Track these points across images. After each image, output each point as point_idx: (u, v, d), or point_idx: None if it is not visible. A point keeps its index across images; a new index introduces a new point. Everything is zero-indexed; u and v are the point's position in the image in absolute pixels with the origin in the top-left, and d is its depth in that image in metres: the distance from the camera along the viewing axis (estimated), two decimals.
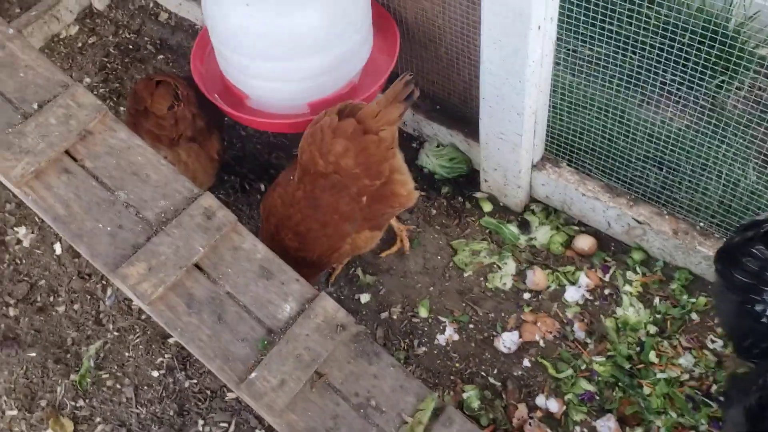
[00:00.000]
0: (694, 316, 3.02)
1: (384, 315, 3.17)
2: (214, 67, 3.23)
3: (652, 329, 3.00)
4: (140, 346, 3.20)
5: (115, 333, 3.24)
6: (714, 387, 2.82)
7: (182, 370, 3.11)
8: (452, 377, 2.99)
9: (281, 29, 2.76)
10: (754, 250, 2.20)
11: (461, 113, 3.48)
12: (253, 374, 2.39)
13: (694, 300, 3.05)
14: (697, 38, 2.61)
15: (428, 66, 3.40)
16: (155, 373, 3.12)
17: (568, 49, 2.99)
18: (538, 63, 2.76)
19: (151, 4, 4.43)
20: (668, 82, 2.83)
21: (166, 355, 3.16)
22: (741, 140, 2.95)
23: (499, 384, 2.96)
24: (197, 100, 3.20)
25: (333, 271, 3.29)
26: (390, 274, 3.29)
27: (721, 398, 2.77)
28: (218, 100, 3.13)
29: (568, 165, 3.30)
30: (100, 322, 3.28)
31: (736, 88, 3.21)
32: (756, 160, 2.95)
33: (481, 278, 3.24)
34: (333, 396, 2.47)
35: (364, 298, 3.22)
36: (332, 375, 2.50)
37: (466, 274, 3.26)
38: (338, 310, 2.53)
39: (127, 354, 3.18)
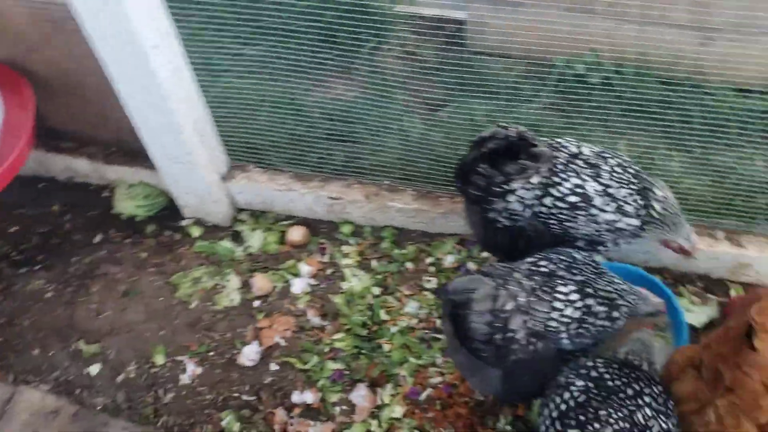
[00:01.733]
0: (408, 265, 3.21)
1: (120, 377, 3.00)
2: None
3: (377, 290, 3.14)
4: None
5: None
6: (438, 322, 3.02)
7: None
8: (206, 411, 2.91)
9: None
10: (479, 169, 2.37)
11: (136, 148, 3.36)
12: None
13: (404, 251, 3.24)
14: (340, 12, 2.74)
15: (81, 111, 3.26)
16: None
17: (208, 57, 3.01)
18: (172, 79, 2.74)
19: None
20: (328, 60, 2.96)
21: None
22: (404, 94, 3.16)
23: (253, 398, 2.93)
24: None
25: None
26: (115, 335, 3.12)
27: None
28: None
29: (258, 167, 3.34)
30: None
31: (388, 50, 3.45)
32: (420, 110, 3.19)
33: (208, 303, 3.19)
34: None
35: (94, 369, 3.02)
36: None
37: (192, 305, 3.18)
38: (44, 397, 2.35)
39: None
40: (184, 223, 3.44)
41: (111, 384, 2.98)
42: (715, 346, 2.09)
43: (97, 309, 3.16)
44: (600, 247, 2.54)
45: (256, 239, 3.35)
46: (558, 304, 2.22)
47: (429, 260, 3.22)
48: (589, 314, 2.26)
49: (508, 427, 2.74)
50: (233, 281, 3.23)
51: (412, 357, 2.94)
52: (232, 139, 3.26)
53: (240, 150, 3.29)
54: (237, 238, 3.37)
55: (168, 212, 3.48)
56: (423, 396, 2.85)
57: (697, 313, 2.88)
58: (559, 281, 2.27)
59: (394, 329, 3.01)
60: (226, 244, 3.35)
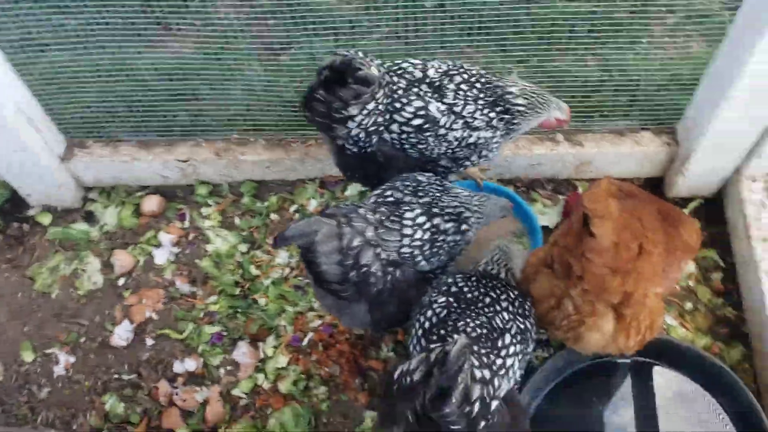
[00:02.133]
0: (273, 216, 3.18)
1: None
2: None
3: (244, 247, 3.10)
4: None
5: None
6: None
7: None
8: (86, 398, 2.82)
9: None
10: (317, 95, 2.31)
11: None
12: None
13: (266, 203, 3.20)
14: None
15: None
16: None
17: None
18: None
19: None
20: (158, 18, 2.81)
21: None
22: (242, 42, 3.05)
23: (134, 376, 2.86)
24: None
25: None
26: None
27: None
28: None
29: (98, 141, 3.18)
30: None
31: None
32: (262, 56, 3.08)
33: (71, 290, 3.06)
34: None
35: None
36: None
37: (54, 295, 3.04)
38: None
39: None
40: (31, 212, 3.25)
41: None
42: (562, 241, 2.19)
43: None
44: (466, 162, 2.58)
45: (110, 216, 3.21)
46: (407, 230, 2.26)
47: (293, 208, 3.20)
48: (438, 233, 2.31)
49: (391, 354, 2.82)
50: (93, 263, 3.10)
51: (288, 306, 2.95)
52: (67, 116, 3.08)
53: (77, 126, 3.12)
54: (90, 218, 3.22)
55: (12, 204, 3.28)
56: (305, 341, 2.87)
57: (550, 215, 3.02)
58: (406, 207, 2.30)
59: (267, 282, 3.00)
60: (80, 226, 3.20)
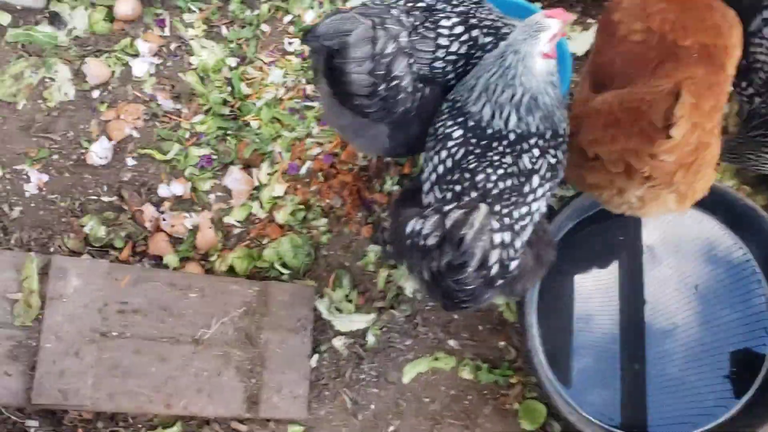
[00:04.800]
0: (264, 27, 2.83)
1: None
2: None
3: (233, 62, 2.78)
4: None
5: None
6: (308, 87, 2.74)
7: None
8: (63, 219, 2.60)
9: None
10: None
11: None
12: None
13: (257, 12, 2.84)
14: None
15: None
16: None
17: None
18: None
19: None
20: None
21: None
22: None
23: (115, 198, 2.64)
24: None
25: None
26: None
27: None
28: None
29: None
30: None
31: None
32: None
33: (39, 101, 2.73)
34: None
35: None
36: None
37: (20, 107, 2.72)
38: None
39: None
40: None
41: None
42: (623, 140, 1.92)
43: None
44: None
45: (79, 19, 2.81)
46: (443, 41, 1.97)
47: (287, 19, 2.85)
48: (475, 47, 2.03)
49: (395, 187, 2.63)
50: (62, 72, 2.75)
51: (284, 131, 2.69)
52: None
53: None
54: (57, 19, 2.82)
55: None
56: (303, 170, 2.66)
57: (578, 41, 2.74)
58: (442, 15, 2.00)
59: (259, 103, 2.72)
60: (45, 29, 2.81)
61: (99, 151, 2.65)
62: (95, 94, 2.74)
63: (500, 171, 1.87)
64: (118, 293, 2.22)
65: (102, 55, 2.78)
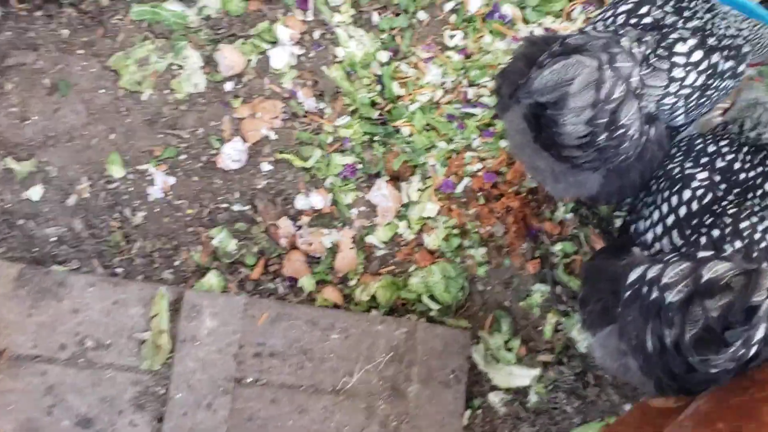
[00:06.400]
0: (421, 15, 2.44)
1: (72, 200, 2.34)
2: None
3: (385, 56, 2.40)
4: None
5: None
6: (471, 91, 2.34)
7: None
8: (190, 229, 2.33)
9: None
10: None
11: None
12: None
13: None
14: None
15: None
16: None
17: None
18: None
19: None
20: None
21: None
22: None
23: (247, 208, 2.35)
24: None
25: None
26: (52, 146, 2.39)
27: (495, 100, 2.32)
28: None
29: None
30: None
31: None
32: None
33: (166, 91, 2.44)
34: (32, 366, 1.78)
35: (36, 193, 2.34)
36: (16, 343, 1.78)
37: (145, 97, 2.43)
38: None
39: None
40: None
41: (61, 209, 2.34)
42: None
43: (21, 114, 2.40)
44: None
45: None
46: (678, 72, 1.56)
47: (448, 6, 2.44)
48: (713, 76, 1.60)
49: (570, 215, 2.23)
50: (192, 58, 2.44)
51: (440, 141, 2.33)
52: None
53: None
54: None
55: None
56: (459, 188, 2.30)
57: None
58: (674, 36, 1.57)
59: (413, 107, 2.35)
60: (173, 6, 2.49)
61: (232, 153, 2.36)
62: (228, 86, 2.43)
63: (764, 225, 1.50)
64: (254, 333, 1.95)
65: (236, 41, 2.45)
